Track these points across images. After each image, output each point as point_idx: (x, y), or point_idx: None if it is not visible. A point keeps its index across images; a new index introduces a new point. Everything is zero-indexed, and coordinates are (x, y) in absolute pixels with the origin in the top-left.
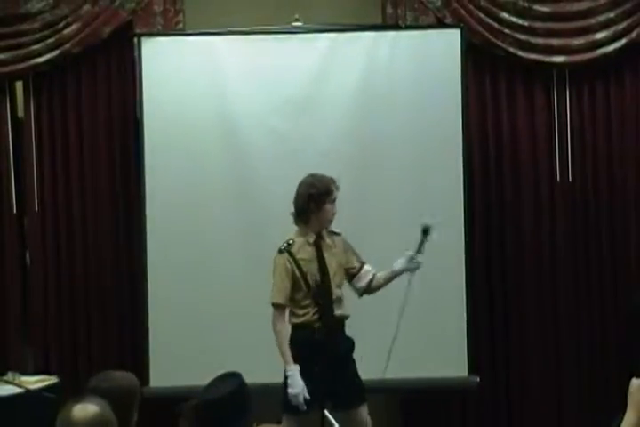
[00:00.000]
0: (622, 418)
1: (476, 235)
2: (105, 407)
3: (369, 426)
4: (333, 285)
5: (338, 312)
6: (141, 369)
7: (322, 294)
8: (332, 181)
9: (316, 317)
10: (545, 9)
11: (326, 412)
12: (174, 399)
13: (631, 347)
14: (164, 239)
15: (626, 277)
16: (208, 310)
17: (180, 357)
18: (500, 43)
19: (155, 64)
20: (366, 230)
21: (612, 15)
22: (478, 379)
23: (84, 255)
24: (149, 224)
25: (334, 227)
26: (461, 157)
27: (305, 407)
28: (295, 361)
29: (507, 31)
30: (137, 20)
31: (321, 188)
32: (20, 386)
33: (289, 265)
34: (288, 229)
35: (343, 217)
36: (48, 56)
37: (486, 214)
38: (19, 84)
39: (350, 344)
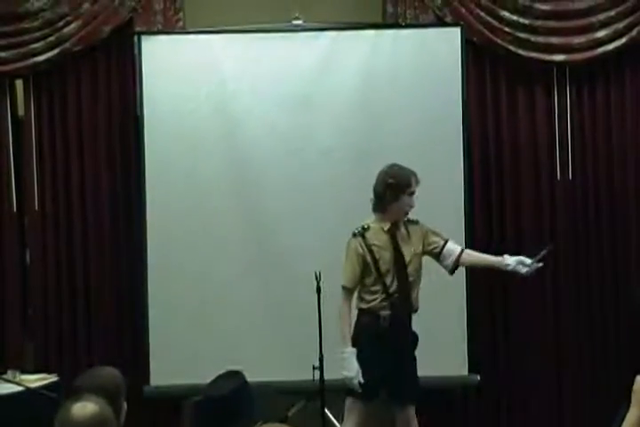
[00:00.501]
0: (624, 415)
1: (477, 233)
2: (104, 406)
3: None
4: (408, 274)
5: (413, 298)
6: (142, 368)
7: (396, 283)
8: (412, 173)
9: (384, 304)
10: (545, 7)
11: (327, 411)
12: (175, 398)
13: (636, 344)
14: (164, 238)
15: (626, 276)
16: (208, 310)
17: (180, 356)
18: (500, 41)
19: (155, 62)
20: None
21: (612, 13)
22: (479, 377)
23: (83, 254)
24: (150, 223)
25: None
26: (462, 155)
27: (360, 389)
28: (355, 345)
29: (507, 30)
30: (137, 19)
31: (400, 178)
32: (19, 385)
33: (360, 250)
34: (289, 227)
35: (349, 213)
36: (48, 54)
37: (487, 212)
38: (19, 83)
39: (414, 339)
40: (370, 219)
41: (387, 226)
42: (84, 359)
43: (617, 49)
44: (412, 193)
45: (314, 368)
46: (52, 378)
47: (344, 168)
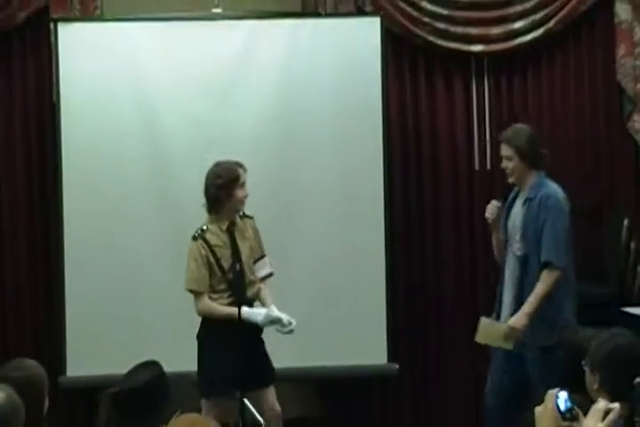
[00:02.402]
0: None
1: (396, 221)
2: (11, 394)
3: (277, 410)
4: (246, 269)
5: (249, 295)
6: (58, 358)
7: (236, 280)
8: (237, 165)
9: (230, 300)
10: None
11: (246, 401)
12: (91, 389)
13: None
14: (81, 227)
15: None
16: (125, 299)
17: (96, 346)
18: (419, 31)
19: (72, 50)
20: (292, 216)
21: (529, 5)
22: (397, 366)
23: None
24: (66, 211)
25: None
26: (381, 145)
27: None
28: (212, 342)
29: (426, 20)
30: (53, 6)
31: (227, 176)
32: None
33: (204, 251)
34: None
35: (267, 203)
36: None
37: (405, 203)
38: None
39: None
40: (205, 220)
41: (224, 224)
42: None
43: (534, 40)
44: (243, 184)
45: None
46: None
47: (265, 156)
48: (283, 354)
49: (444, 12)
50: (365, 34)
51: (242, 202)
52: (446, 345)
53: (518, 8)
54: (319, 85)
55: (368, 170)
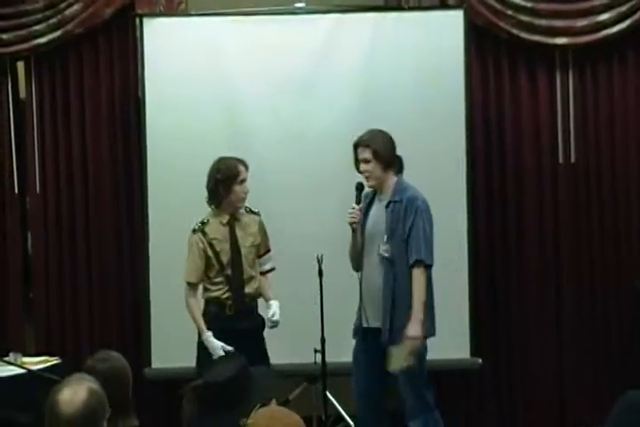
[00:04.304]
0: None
1: (479, 215)
2: (95, 387)
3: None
4: (245, 264)
5: (248, 291)
6: (143, 350)
7: (234, 273)
8: (239, 162)
9: (228, 294)
10: None
11: (329, 394)
12: (176, 381)
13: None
14: (165, 222)
15: (629, 260)
16: None
17: (181, 338)
18: (502, 24)
19: (156, 45)
20: None
21: None
22: (480, 361)
23: (85, 237)
24: (151, 206)
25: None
26: (464, 138)
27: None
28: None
29: (510, 13)
30: (138, 1)
31: (228, 171)
32: (21, 367)
33: (201, 244)
34: (288, 212)
35: (347, 198)
36: (50, 36)
37: (489, 195)
38: (20, 65)
39: (260, 322)
40: (207, 213)
41: (225, 219)
42: (85, 342)
43: (620, 32)
44: (244, 180)
45: (315, 351)
46: (54, 361)
47: (345, 152)
48: None
49: (528, 4)
50: (449, 27)
51: (241, 199)
52: (530, 339)
53: (604, 0)
54: (402, 79)
55: (450, 164)
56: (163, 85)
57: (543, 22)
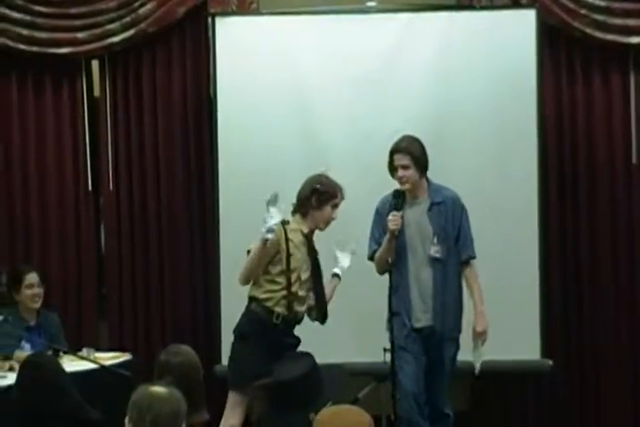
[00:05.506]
0: None
1: (551, 218)
2: (173, 390)
3: None
4: (303, 281)
5: (299, 309)
6: (214, 348)
7: (315, 286)
8: (340, 187)
9: (282, 301)
10: None
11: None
12: None
13: None
14: (237, 222)
15: None
16: None
17: None
18: (576, 23)
19: (228, 44)
20: None
21: None
22: (551, 362)
23: (157, 234)
24: (223, 205)
25: None
26: (536, 138)
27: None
28: (243, 337)
29: (583, 12)
30: (211, 0)
31: (327, 187)
32: (94, 362)
33: (279, 233)
34: (361, 210)
35: None
36: (123, 35)
37: (561, 197)
38: (95, 64)
39: (297, 342)
40: (292, 219)
41: (306, 229)
42: (157, 338)
43: None
44: (336, 205)
45: (385, 350)
46: (126, 357)
47: None
48: None
49: (602, 3)
50: (521, 26)
51: (327, 220)
52: (602, 341)
53: None
54: (474, 79)
55: (523, 165)
56: (234, 84)
57: (617, 21)
